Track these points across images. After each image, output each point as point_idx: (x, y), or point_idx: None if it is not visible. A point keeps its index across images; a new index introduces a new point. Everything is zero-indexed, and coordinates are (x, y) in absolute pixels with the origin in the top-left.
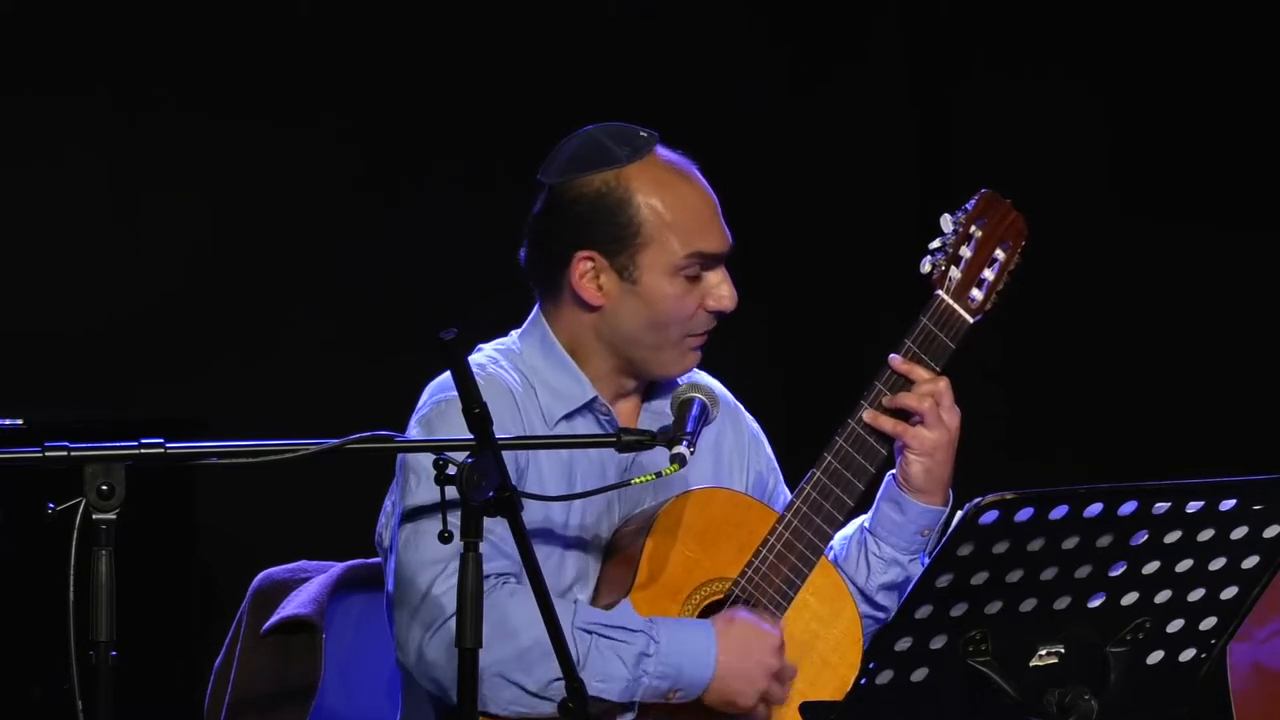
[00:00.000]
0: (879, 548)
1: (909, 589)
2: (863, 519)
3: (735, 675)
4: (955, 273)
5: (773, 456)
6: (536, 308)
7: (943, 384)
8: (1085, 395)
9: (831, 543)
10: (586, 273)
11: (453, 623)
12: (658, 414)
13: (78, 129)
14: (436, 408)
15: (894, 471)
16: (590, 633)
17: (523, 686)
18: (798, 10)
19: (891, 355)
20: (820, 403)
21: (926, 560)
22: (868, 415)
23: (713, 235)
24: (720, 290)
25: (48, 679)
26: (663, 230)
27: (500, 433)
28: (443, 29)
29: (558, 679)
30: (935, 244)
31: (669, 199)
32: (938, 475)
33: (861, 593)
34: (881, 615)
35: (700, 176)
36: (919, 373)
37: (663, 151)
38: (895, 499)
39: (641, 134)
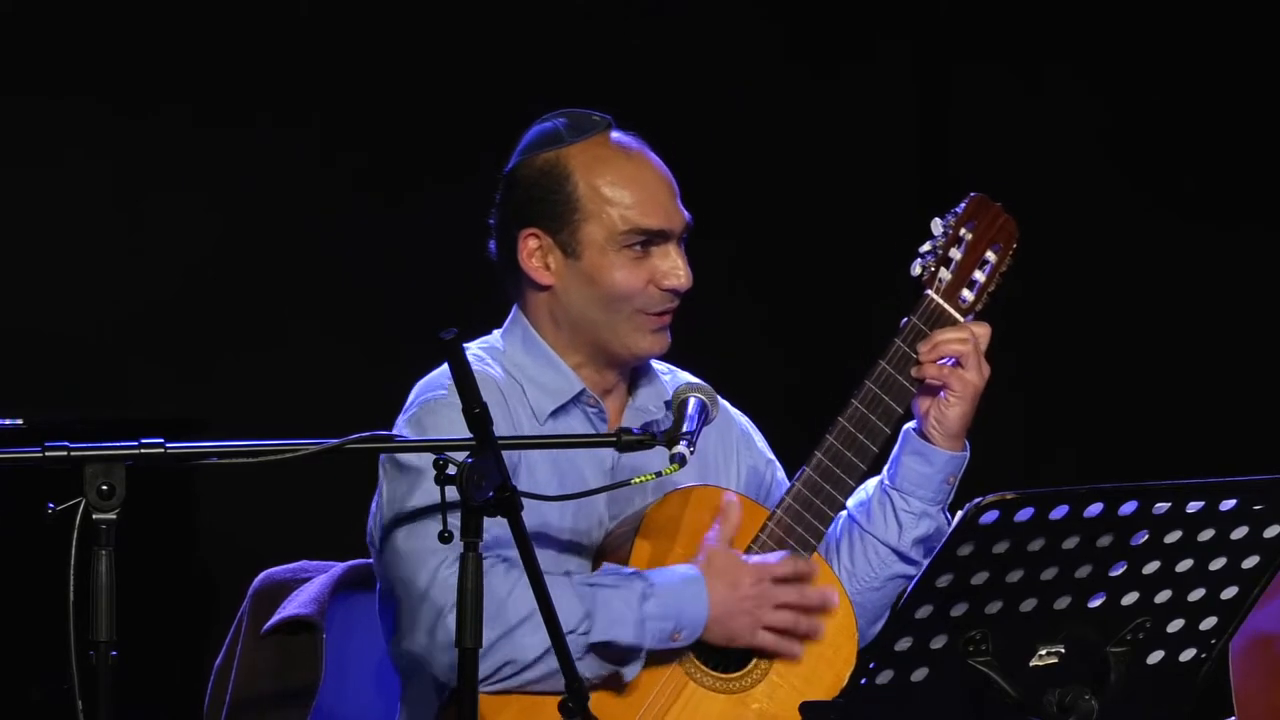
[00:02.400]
0: (907, 503)
1: (909, 589)
2: (878, 480)
3: (729, 610)
4: (945, 274)
5: (767, 449)
6: (515, 305)
7: (984, 329)
8: (1085, 395)
9: (848, 512)
10: (534, 252)
11: (447, 619)
12: (641, 411)
13: (79, 129)
14: (425, 407)
15: (911, 426)
16: (591, 585)
17: (530, 647)
18: (799, 7)
19: (899, 324)
20: (818, 397)
21: (948, 514)
22: (914, 369)
23: (655, 211)
24: (671, 267)
25: (48, 679)
26: (601, 205)
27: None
28: (444, 30)
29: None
30: (925, 247)
31: (608, 175)
32: (969, 420)
33: (895, 551)
34: (914, 571)
35: (651, 156)
36: (947, 332)
37: (614, 134)
38: (920, 451)
39: (594, 117)
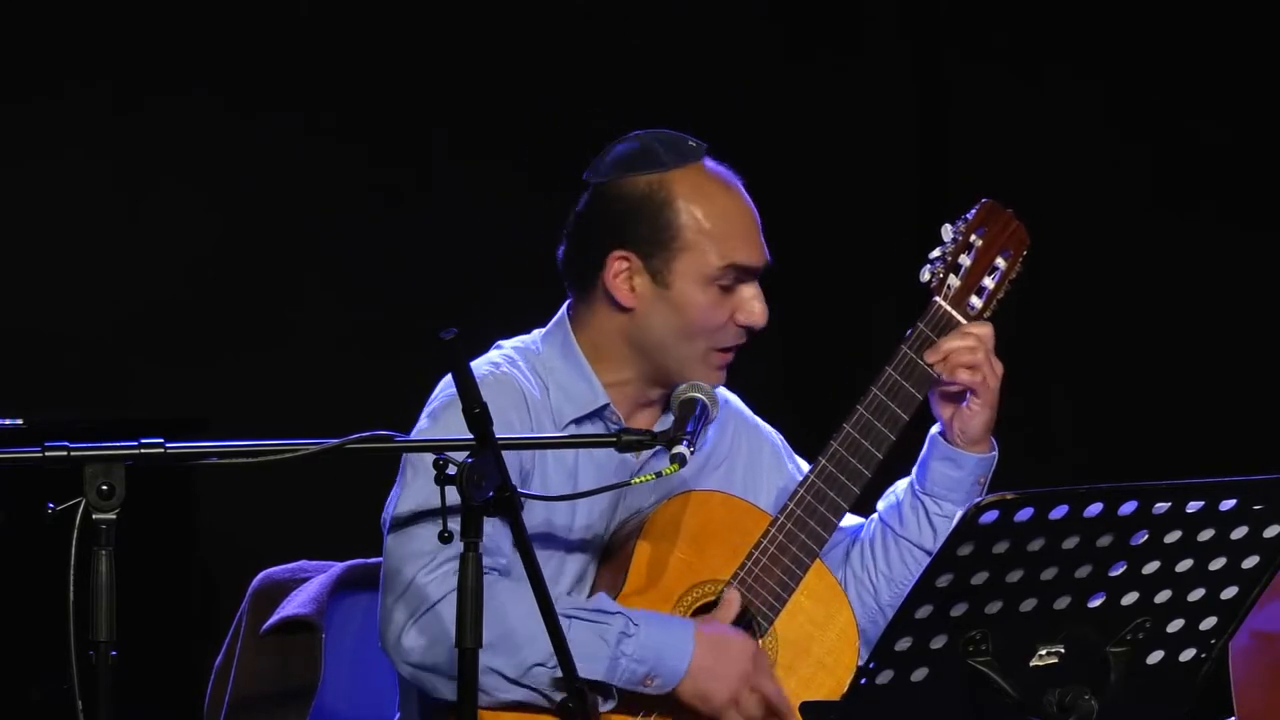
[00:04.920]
0: (940, 507)
1: (909, 589)
2: (908, 484)
3: (711, 672)
4: (954, 280)
5: (799, 467)
6: (563, 308)
7: (986, 330)
8: (1086, 395)
9: (867, 520)
10: (621, 273)
11: (433, 613)
12: None
13: (79, 128)
14: (447, 400)
15: (937, 431)
16: (570, 617)
17: (500, 672)
18: (798, 7)
19: (905, 350)
20: (817, 398)
21: None
22: (945, 371)
23: (750, 249)
24: (752, 305)
25: (48, 679)
26: (701, 238)
27: (508, 433)
28: (446, 30)
29: (537, 664)
30: (935, 253)
31: (710, 208)
32: (993, 420)
33: (930, 554)
34: None
35: (743, 191)
36: (953, 340)
37: (709, 162)
38: (950, 456)
39: (690, 143)
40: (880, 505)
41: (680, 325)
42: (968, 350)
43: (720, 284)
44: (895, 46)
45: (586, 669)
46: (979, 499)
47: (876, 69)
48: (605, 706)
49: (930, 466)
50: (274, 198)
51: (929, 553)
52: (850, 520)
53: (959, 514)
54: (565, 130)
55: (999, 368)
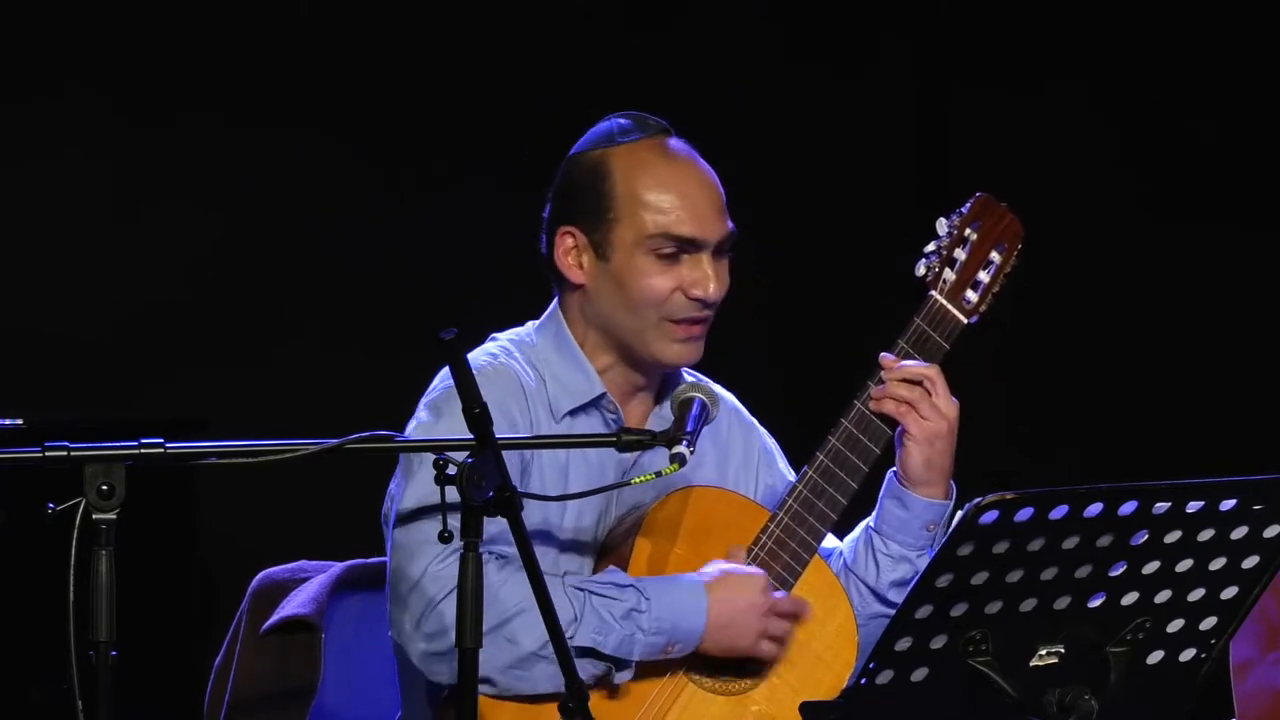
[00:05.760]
0: (886, 545)
1: (910, 588)
2: (867, 520)
3: (729, 624)
4: (949, 274)
5: (789, 470)
6: (555, 299)
7: (933, 371)
8: (1086, 395)
9: (840, 546)
10: (569, 249)
11: (449, 601)
12: (666, 420)
13: (80, 129)
14: (446, 392)
15: (895, 468)
16: (582, 590)
17: (520, 645)
18: (799, 7)
19: (883, 354)
20: (820, 402)
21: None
22: (872, 402)
23: (689, 219)
24: (699, 276)
25: (48, 679)
26: (635, 208)
27: (507, 424)
28: (445, 30)
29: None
30: (930, 247)
31: (647, 179)
32: (938, 465)
33: (874, 592)
34: (892, 612)
35: (699, 164)
36: (909, 366)
37: (666, 140)
38: (898, 495)
39: (650, 121)
40: (845, 541)
41: (624, 298)
42: (905, 388)
43: (659, 253)
44: (896, 47)
45: (601, 641)
46: (979, 499)
47: (877, 69)
48: (621, 677)
49: (882, 504)
50: (274, 198)
51: (870, 589)
52: (830, 542)
53: (959, 514)
54: (565, 130)
55: (949, 410)
